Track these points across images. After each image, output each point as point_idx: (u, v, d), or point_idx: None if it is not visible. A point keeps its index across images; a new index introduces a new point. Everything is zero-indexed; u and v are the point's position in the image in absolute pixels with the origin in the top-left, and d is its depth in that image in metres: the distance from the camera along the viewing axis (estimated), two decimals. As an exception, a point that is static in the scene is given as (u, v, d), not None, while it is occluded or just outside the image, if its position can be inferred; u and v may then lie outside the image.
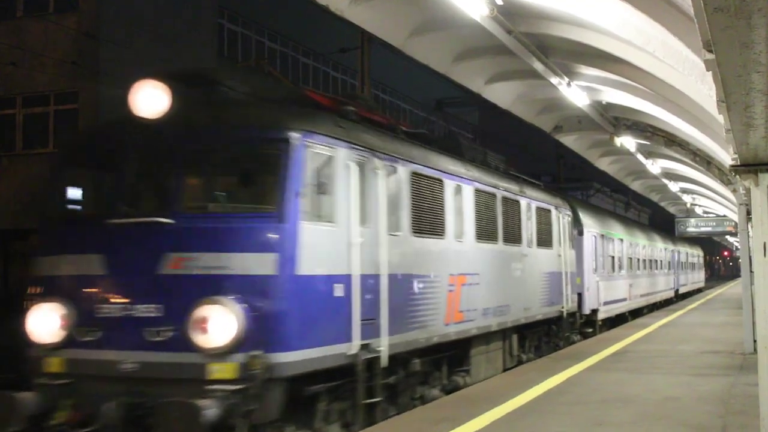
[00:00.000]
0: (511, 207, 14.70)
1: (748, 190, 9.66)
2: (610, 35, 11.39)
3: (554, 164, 38.67)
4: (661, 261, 36.88)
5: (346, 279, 8.73)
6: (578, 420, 9.17)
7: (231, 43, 30.33)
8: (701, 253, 57.87)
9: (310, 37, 33.78)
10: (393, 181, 10.03)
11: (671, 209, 46.18)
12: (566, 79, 14.98)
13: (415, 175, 10.66)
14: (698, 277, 55.65)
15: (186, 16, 26.12)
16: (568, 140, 23.24)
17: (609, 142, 21.00)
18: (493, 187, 13.79)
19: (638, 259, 30.55)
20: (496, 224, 13.84)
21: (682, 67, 9.87)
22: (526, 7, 11.79)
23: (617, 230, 27.24)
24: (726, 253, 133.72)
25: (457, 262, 12.03)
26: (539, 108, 19.61)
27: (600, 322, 23.12)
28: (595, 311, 22.40)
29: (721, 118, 7.78)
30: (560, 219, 18.22)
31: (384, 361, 9.41)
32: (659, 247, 36.54)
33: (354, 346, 8.78)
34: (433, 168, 11.32)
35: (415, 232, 10.56)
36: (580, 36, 12.27)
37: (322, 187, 8.48)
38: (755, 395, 7.69)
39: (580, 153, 25.54)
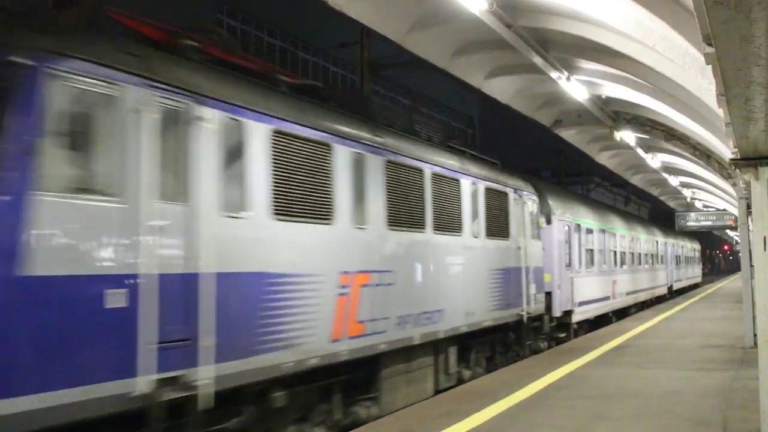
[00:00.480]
0: (447, 187, 12.07)
1: (748, 184, 9.65)
2: (609, 29, 11.36)
3: (554, 159, 38.69)
4: (652, 255, 34.06)
5: (130, 281, 6.06)
6: (579, 414, 9.18)
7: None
8: (698, 247, 54.77)
9: (309, 32, 33.74)
10: (238, 141, 7.46)
11: (671, 203, 46.14)
12: (566, 74, 14.95)
13: (281, 136, 8.05)
14: (695, 272, 52.35)
15: (185, 12, 26.11)
16: (568, 135, 23.20)
17: (609, 136, 20.93)
18: (417, 160, 11.12)
19: (624, 253, 27.78)
20: (423, 208, 11.17)
21: (682, 60, 9.85)
22: (525, 1, 11.77)
23: (597, 219, 24.29)
24: (726, 247, 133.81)
25: (353, 256, 9.27)
26: (539, 102, 19.57)
27: (575, 326, 20.23)
28: (568, 313, 19.52)
29: (720, 112, 7.75)
30: (521, 204, 15.58)
31: (206, 401, 6.67)
32: (650, 240, 33.64)
33: (143, 382, 6.07)
34: (314, 128, 8.65)
35: (277, 214, 7.92)
36: (579, 30, 12.24)
37: (87, 142, 5.91)
38: (756, 389, 7.70)
39: (580, 147, 25.49)
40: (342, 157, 9.15)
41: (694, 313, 26.42)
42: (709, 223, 39.98)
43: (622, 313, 26.82)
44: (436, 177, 11.64)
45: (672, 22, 9.09)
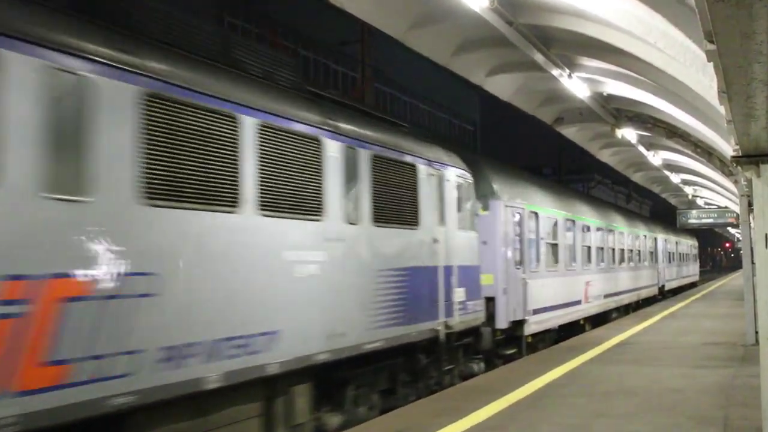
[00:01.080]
0: (295, 149, 8.46)
1: (749, 181, 9.64)
2: (610, 26, 11.35)
3: (555, 157, 38.65)
4: (639, 251, 30.26)
5: None
6: (580, 411, 9.18)
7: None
8: (695, 242, 50.67)
9: (310, 29, 33.73)
10: None
11: (673, 201, 46.13)
12: (567, 71, 14.94)
13: None
14: (690, 270, 48.25)
15: (187, 9, 26.09)
16: (570, 132, 23.19)
17: (610, 133, 20.95)
18: (219, 99, 7.43)
19: (603, 249, 24.12)
20: (235, 176, 7.51)
21: (683, 57, 9.85)
22: (526, -1, 11.79)
23: (563, 207, 20.22)
24: (728, 245, 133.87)
25: (36, 250, 5.50)
26: (540, 100, 19.56)
27: (529, 338, 16.60)
28: (520, 323, 15.88)
29: (722, 109, 7.74)
30: (440, 183, 12.04)
31: None
32: (635, 234, 29.70)
33: None
34: None
35: None
36: (580, 27, 12.23)
37: None
38: (757, 386, 7.69)
39: (582, 145, 25.50)
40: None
41: (695, 310, 26.41)
42: (710, 220, 39.86)
43: (600, 320, 23.20)
44: (267, 131, 8.02)
45: (673, 19, 9.08)
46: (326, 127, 9.12)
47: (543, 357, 14.67)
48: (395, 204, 10.66)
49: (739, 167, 7.56)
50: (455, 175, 12.73)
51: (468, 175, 13.32)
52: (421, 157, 11.56)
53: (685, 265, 45.48)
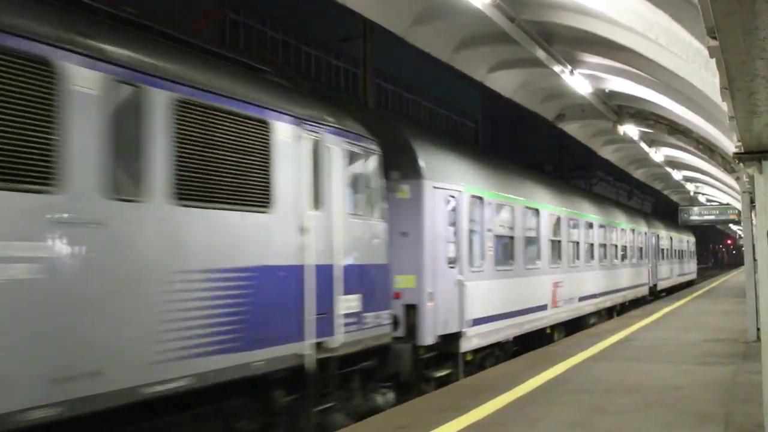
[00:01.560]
0: None
1: (751, 178, 9.62)
2: (612, 22, 11.33)
3: (557, 153, 38.62)
4: (626, 246, 26.96)
5: None
6: (581, 408, 9.17)
7: (233, 33, 30.27)
8: (691, 239, 47.32)
9: (312, 26, 33.71)
10: None
11: (674, 198, 46.12)
12: (569, 68, 14.92)
13: None
14: (687, 269, 44.66)
15: (190, 4, 26.09)
16: (572, 129, 23.17)
17: (612, 130, 20.92)
18: None
19: (578, 243, 20.63)
20: None
21: (686, 54, 9.83)
22: (528, -5, 11.77)
23: (523, 193, 16.54)
24: (729, 242, 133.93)
25: None
26: (542, 96, 19.54)
27: (469, 356, 13.08)
28: (455, 337, 12.46)
29: (724, 106, 7.74)
30: (315, 150, 9.18)
31: None
32: (616, 227, 25.74)
33: None
34: None
35: None
36: (582, 23, 12.21)
37: None
38: (759, 383, 7.69)
39: (584, 141, 25.47)
40: None
41: (696, 307, 26.40)
42: (712, 217, 39.78)
43: (576, 326, 19.85)
44: None
45: (675, 15, 9.07)
46: (67, 46, 6.03)
47: (543, 355, 14.60)
48: (223, 175, 7.56)
49: (741, 164, 7.56)
50: (346, 142, 9.79)
51: (373, 146, 10.45)
52: (279, 112, 8.48)
53: (681, 263, 42.23)
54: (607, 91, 17.81)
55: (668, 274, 36.78)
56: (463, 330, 12.75)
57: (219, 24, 28.93)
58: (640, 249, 29.76)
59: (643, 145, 23.75)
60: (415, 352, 11.51)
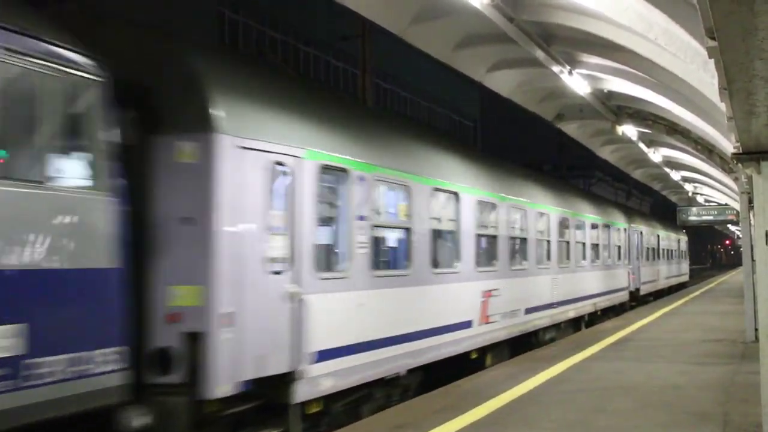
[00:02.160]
0: None
1: (749, 179, 9.63)
2: (611, 23, 11.33)
3: (555, 154, 38.59)
4: (599, 245, 22.64)
5: None
6: (580, 407, 9.18)
7: (232, 32, 30.27)
8: (683, 237, 43.33)
9: (311, 25, 33.70)
10: None
11: (673, 198, 46.18)
12: (568, 68, 14.92)
13: None
14: (677, 270, 40.30)
15: (189, 5, 26.06)
16: (570, 129, 23.19)
17: (611, 130, 20.94)
18: None
19: (526, 240, 16.06)
20: None
21: (684, 54, 9.83)
22: (527, -5, 11.78)
23: (430, 168, 11.92)
24: (728, 242, 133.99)
25: None
26: (541, 96, 19.55)
27: (317, 406, 8.64)
28: (282, 380, 8.08)
29: (723, 106, 7.74)
30: None
31: None
32: (593, 223, 21.95)
33: None
34: None
35: None
36: (581, 24, 12.21)
37: None
38: (757, 383, 7.69)
39: (582, 142, 25.50)
40: None
41: (695, 307, 26.41)
42: (710, 217, 39.76)
43: (523, 346, 15.55)
44: None
45: (674, 16, 9.07)
46: None
47: (544, 354, 14.57)
48: None
49: (739, 164, 7.56)
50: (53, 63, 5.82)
51: (83, 65, 6.16)
52: None
53: (670, 263, 37.68)
54: (605, 91, 17.82)
55: (654, 276, 32.20)
56: (301, 368, 8.25)
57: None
58: (618, 248, 25.44)
59: (641, 145, 23.77)
60: (199, 409, 7.22)
